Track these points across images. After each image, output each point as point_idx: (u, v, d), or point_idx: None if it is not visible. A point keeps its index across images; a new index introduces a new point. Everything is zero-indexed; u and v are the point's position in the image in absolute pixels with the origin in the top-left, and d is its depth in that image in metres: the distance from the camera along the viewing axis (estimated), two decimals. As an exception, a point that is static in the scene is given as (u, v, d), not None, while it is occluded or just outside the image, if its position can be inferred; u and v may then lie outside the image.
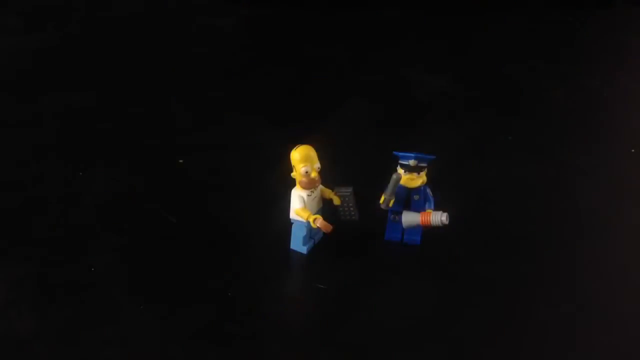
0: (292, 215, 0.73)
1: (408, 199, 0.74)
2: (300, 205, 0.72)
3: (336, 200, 0.74)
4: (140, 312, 0.66)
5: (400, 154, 0.73)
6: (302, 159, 0.70)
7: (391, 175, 0.72)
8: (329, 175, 0.74)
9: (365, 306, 0.68)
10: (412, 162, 0.72)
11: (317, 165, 0.71)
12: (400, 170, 0.73)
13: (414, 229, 0.75)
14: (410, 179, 0.73)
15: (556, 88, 1.17)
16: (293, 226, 0.74)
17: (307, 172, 0.71)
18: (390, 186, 0.72)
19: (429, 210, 0.73)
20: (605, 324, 0.67)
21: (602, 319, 0.68)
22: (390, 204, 0.73)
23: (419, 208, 0.74)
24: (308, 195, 0.72)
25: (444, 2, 1.51)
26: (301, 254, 0.74)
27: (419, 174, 0.73)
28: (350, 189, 0.73)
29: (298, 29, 1.38)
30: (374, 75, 1.19)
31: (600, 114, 1.10)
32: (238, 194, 0.85)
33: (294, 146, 0.71)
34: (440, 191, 0.75)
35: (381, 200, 0.73)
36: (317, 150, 0.71)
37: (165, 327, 0.65)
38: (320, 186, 0.73)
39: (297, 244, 0.74)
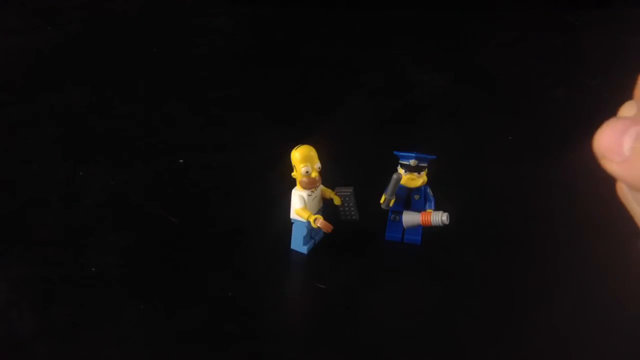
0: (293, 215, 0.73)
1: (408, 199, 0.74)
2: (300, 205, 0.72)
3: (336, 200, 0.74)
4: (140, 312, 0.66)
5: (401, 153, 0.73)
6: (303, 159, 0.70)
7: (391, 175, 0.72)
8: (329, 175, 0.74)
9: (365, 306, 0.68)
10: (412, 162, 0.72)
11: (318, 165, 0.71)
12: (401, 170, 0.73)
13: (414, 228, 0.75)
14: (410, 178, 0.73)
15: (556, 88, 1.17)
16: (293, 226, 0.74)
17: (307, 172, 0.71)
18: (391, 186, 0.72)
19: (430, 210, 0.73)
20: (606, 323, 0.67)
21: (602, 319, 0.68)
22: (391, 204, 0.73)
23: (419, 208, 0.74)
24: (308, 195, 0.72)
25: (444, 1, 1.51)
26: (301, 254, 0.74)
27: (419, 173, 0.73)
28: (350, 189, 0.73)
29: (298, 29, 1.38)
30: (374, 75, 1.19)
31: (600, 114, 1.10)
32: (238, 194, 0.85)
33: (295, 146, 0.71)
34: (440, 191, 0.75)
35: (382, 200, 0.73)
36: (317, 150, 0.71)
37: (165, 327, 0.65)
38: (321, 186, 0.73)
39: (297, 244, 0.74)
